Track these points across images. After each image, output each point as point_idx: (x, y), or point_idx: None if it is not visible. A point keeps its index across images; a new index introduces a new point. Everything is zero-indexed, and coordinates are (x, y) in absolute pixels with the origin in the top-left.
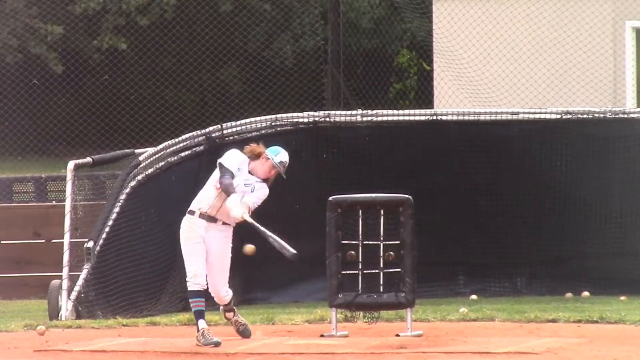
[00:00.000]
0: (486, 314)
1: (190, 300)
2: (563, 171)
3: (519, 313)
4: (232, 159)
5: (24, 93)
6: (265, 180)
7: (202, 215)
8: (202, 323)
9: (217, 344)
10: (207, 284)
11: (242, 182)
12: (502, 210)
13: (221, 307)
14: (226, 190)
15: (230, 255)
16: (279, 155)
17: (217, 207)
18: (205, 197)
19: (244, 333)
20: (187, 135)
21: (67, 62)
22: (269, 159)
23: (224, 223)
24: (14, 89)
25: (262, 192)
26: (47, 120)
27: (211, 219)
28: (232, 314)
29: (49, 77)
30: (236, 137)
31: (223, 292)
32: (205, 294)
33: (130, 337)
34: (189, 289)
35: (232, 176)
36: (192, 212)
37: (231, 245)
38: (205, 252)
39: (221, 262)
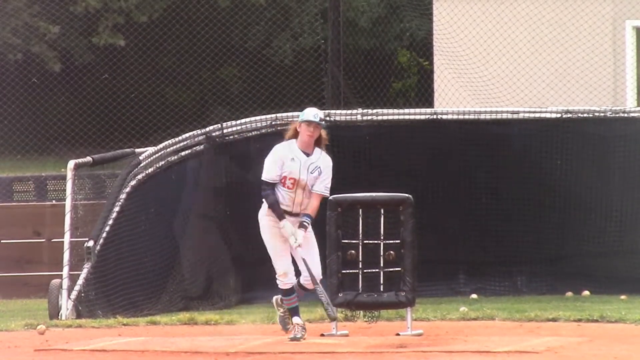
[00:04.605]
0: (486, 313)
1: (282, 298)
2: (563, 170)
3: (519, 312)
4: (270, 163)
5: (24, 92)
6: (318, 145)
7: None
8: (297, 319)
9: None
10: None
11: (305, 169)
12: (503, 209)
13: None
14: (272, 208)
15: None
16: (303, 115)
17: (296, 202)
18: (281, 197)
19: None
20: (187, 135)
21: (66, 60)
22: (300, 125)
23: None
24: (14, 88)
25: (327, 170)
26: (46, 119)
27: (291, 214)
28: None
29: (48, 75)
30: (236, 136)
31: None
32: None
33: (131, 337)
34: (280, 287)
35: (274, 188)
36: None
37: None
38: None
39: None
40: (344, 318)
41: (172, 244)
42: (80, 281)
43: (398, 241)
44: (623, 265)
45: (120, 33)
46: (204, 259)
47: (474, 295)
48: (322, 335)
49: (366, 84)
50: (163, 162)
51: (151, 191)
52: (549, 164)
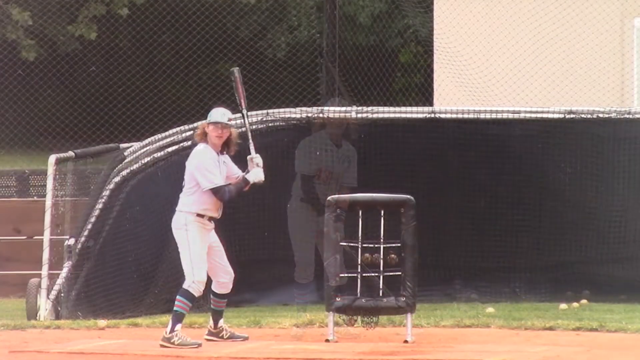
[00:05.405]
0: (482, 320)
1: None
2: (565, 172)
3: (516, 320)
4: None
5: (9, 84)
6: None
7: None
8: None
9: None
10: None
11: (338, 160)
12: (502, 212)
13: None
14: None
15: None
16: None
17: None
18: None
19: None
20: (173, 130)
21: (52, 52)
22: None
23: None
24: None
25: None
26: (32, 113)
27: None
28: None
29: (28, 64)
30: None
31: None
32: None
33: (111, 339)
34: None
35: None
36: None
37: None
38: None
39: None
40: (342, 322)
41: (158, 244)
42: (59, 281)
43: (398, 244)
44: (625, 271)
45: (115, 28)
46: None
47: (474, 295)
48: (327, 340)
49: (366, 82)
50: (149, 159)
51: (136, 188)
52: (551, 166)
